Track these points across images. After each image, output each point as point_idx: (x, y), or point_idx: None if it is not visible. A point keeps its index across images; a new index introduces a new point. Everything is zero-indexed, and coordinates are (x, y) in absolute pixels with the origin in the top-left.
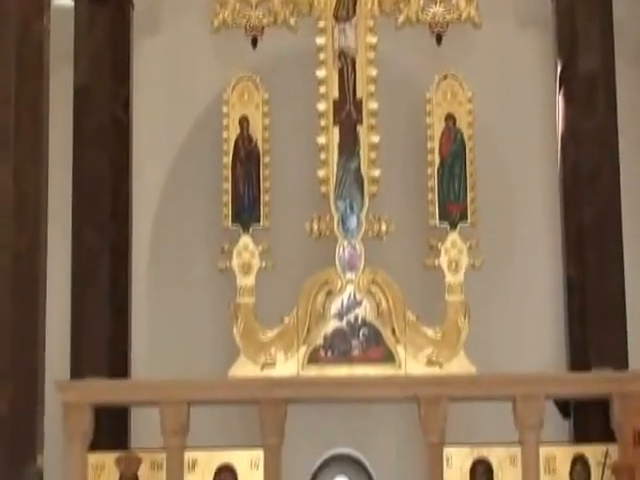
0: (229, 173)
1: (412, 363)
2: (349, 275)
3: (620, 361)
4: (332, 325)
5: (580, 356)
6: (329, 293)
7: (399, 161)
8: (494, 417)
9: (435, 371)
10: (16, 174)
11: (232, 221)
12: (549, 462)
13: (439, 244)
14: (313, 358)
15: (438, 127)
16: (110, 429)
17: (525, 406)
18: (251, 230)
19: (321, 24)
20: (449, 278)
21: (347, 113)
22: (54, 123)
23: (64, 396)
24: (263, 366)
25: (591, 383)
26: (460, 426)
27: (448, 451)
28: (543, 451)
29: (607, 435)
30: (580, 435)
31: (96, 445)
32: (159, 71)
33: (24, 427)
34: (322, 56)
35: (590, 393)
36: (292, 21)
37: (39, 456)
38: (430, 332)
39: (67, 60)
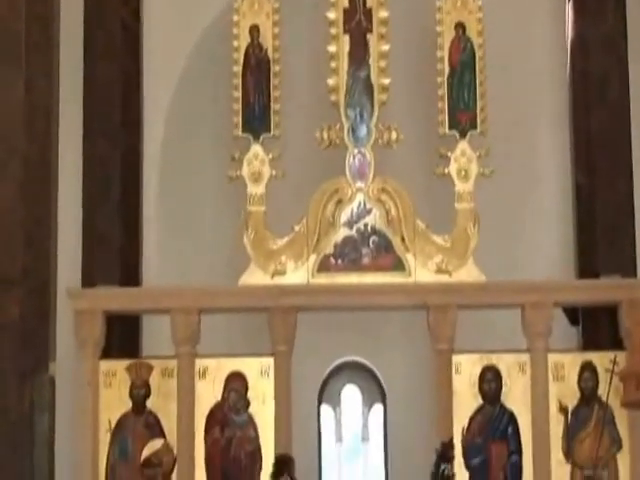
0: (239, 82)
1: (421, 271)
2: (359, 183)
3: (628, 268)
4: (342, 233)
5: (588, 263)
6: (339, 202)
7: (409, 70)
8: (503, 325)
9: (444, 279)
10: (27, 84)
11: (242, 130)
12: (557, 369)
13: (449, 153)
14: (323, 266)
15: (448, 36)
16: (121, 337)
17: (534, 313)
18: (261, 139)
19: None
20: (459, 186)
21: (357, 22)
22: (64, 33)
23: (75, 303)
24: (273, 274)
25: (599, 290)
26: (469, 334)
27: (457, 358)
28: (551, 358)
29: (615, 342)
30: (588, 342)
31: (107, 353)
32: None
33: (36, 334)
34: None
35: (598, 300)
36: None
37: (51, 364)
38: (439, 240)
39: None
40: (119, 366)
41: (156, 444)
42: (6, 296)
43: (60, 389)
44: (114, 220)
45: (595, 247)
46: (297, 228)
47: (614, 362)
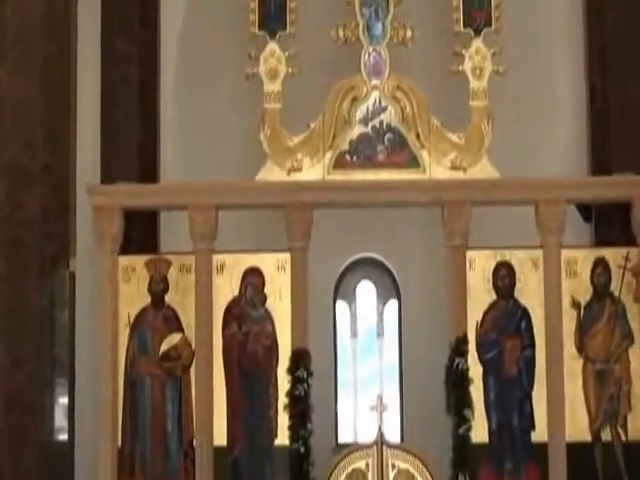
0: None
1: (436, 168)
2: (374, 81)
3: None
4: (357, 130)
5: (601, 161)
6: (354, 99)
7: None
8: (516, 221)
9: (458, 175)
10: None
11: (259, 27)
12: (570, 265)
13: (463, 50)
14: (339, 163)
15: None
16: (140, 233)
17: (547, 210)
18: (278, 36)
19: None
20: (473, 84)
21: None
22: None
23: (94, 200)
24: (289, 171)
25: (612, 187)
26: (483, 230)
27: (471, 254)
28: (564, 254)
29: (628, 239)
30: (601, 239)
31: (126, 249)
32: None
33: (56, 230)
34: None
35: (611, 197)
36: None
37: (71, 259)
38: (454, 137)
39: None
40: (138, 262)
41: (175, 338)
42: (27, 192)
43: (80, 284)
44: (132, 117)
45: (608, 145)
46: (313, 125)
47: (626, 258)
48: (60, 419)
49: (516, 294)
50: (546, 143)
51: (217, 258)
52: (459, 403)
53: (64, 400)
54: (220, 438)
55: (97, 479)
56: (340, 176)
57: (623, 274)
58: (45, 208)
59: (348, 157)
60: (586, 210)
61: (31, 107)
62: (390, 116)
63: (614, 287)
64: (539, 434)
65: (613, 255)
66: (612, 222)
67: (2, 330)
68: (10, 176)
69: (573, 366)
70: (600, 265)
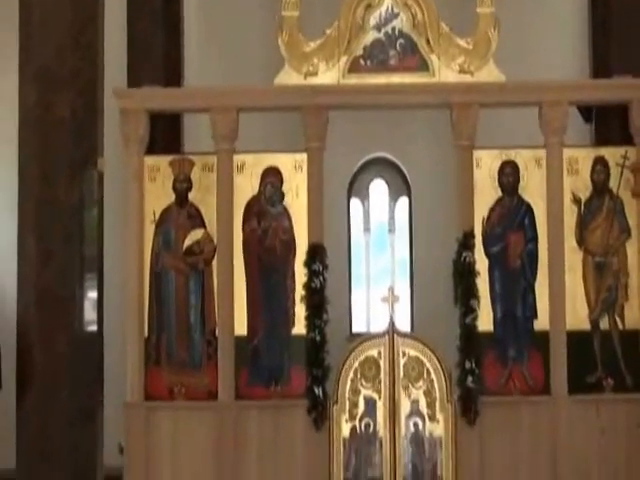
0: None
1: (445, 71)
2: None
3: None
4: (371, 36)
5: (602, 65)
6: (368, 6)
7: None
8: (521, 122)
9: (466, 79)
10: None
11: None
12: (571, 163)
13: None
14: (353, 67)
15: None
16: (165, 134)
17: (550, 111)
18: None
19: None
20: None
21: None
22: None
23: (121, 103)
24: (306, 75)
25: (612, 90)
26: (489, 131)
27: (478, 153)
28: (566, 153)
29: (626, 139)
30: (601, 139)
31: (152, 149)
32: None
33: (85, 132)
34: None
35: (611, 99)
36: None
37: (99, 159)
38: (462, 42)
39: None
40: (163, 162)
41: (197, 234)
42: (57, 96)
43: (108, 184)
44: (157, 23)
45: (609, 49)
46: (328, 32)
47: (625, 157)
48: (89, 312)
49: (520, 191)
50: (550, 48)
51: (237, 158)
52: (466, 294)
53: (93, 294)
54: (240, 328)
55: (125, 368)
56: (354, 80)
57: (621, 172)
58: (74, 111)
59: (362, 62)
60: (587, 111)
61: (60, 14)
62: (402, 22)
63: (613, 184)
64: (541, 323)
65: (612, 154)
66: (611, 123)
67: (34, 228)
68: (41, 81)
69: (573, 259)
70: (600, 163)
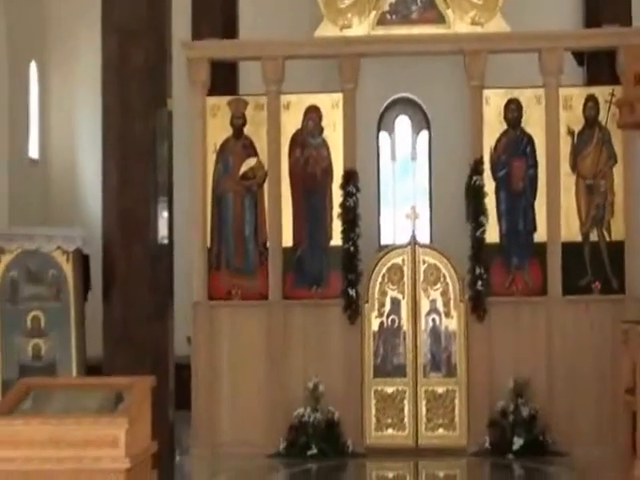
0: None
1: (459, 23)
2: None
3: (626, 19)
4: None
5: (593, 15)
6: None
7: None
8: (524, 66)
9: (477, 29)
10: None
11: None
12: (566, 101)
13: None
14: (381, 21)
15: None
16: (223, 79)
17: (548, 56)
18: None
19: None
20: None
21: None
22: None
23: (188, 53)
24: (341, 28)
25: (602, 37)
26: (497, 73)
27: (487, 93)
28: (562, 92)
29: (614, 79)
30: (592, 79)
31: (213, 92)
32: None
33: (157, 76)
34: None
35: (600, 45)
36: None
37: (169, 100)
38: None
39: None
40: (222, 102)
41: (251, 161)
42: (134, 45)
43: (176, 121)
44: None
45: (598, 1)
46: None
47: (612, 94)
48: (162, 228)
49: (522, 124)
50: (548, 1)
51: (284, 98)
52: (476, 212)
53: (165, 212)
54: (287, 240)
55: (192, 273)
56: (382, 31)
57: (609, 107)
58: (148, 59)
59: (388, 16)
60: (580, 56)
61: None
62: None
63: (602, 118)
64: (540, 235)
65: (601, 92)
66: (601, 66)
67: (115, 158)
68: (119, 33)
69: (567, 182)
70: (591, 100)
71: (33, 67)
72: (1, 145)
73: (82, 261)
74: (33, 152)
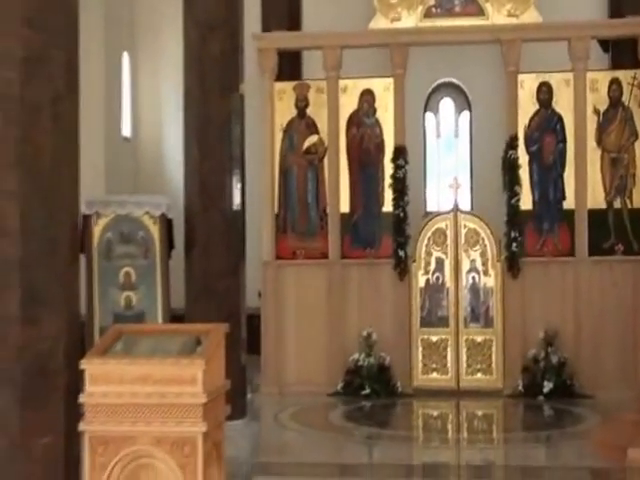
0: None
1: (497, 15)
2: None
3: None
4: None
5: (617, 7)
6: None
7: None
8: (554, 53)
9: (513, 21)
10: None
11: None
12: (593, 83)
13: None
14: (427, 14)
15: None
16: (289, 66)
17: (576, 44)
18: None
19: None
20: None
21: None
22: None
23: (258, 44)
24: (392, 20)
25: (625, 26)
26: (531, 60)
27: (521, 77)
28: (589, 76)
29: (636, 64)
30: (616, 64)
31: (280, 77)
32: None
33: (231, 64)
34: None
35: (624, 34)
36: None
37: (241, 85)
38: None
39: None
40: (287, 86)
41: (313, 138)
42: (212, 37)
43: (248, 103)
44: None
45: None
46: None
47: (634, 77)
48: (236, 197)
49: (553, 105)
50: None
51: (342, 82)
52: (511, 182)
53: (239, 184)
54: (344, 207)
55: (261, 236)
56: (428, 23)
57: (631, 89)
58: (223, 49)
59: (434, 9)
60: (605, 43)
61: None
62: None
63: (625, 98)
64: (568, 203)
65: (624, 76)
66: (624, 52)
67: (195, 135)
68: (199, 27)
69: (593, 155)
70: (615, 83)
71: (125, 57)
72: (98, 125)
73: (167, 224)
74: (126, 131)
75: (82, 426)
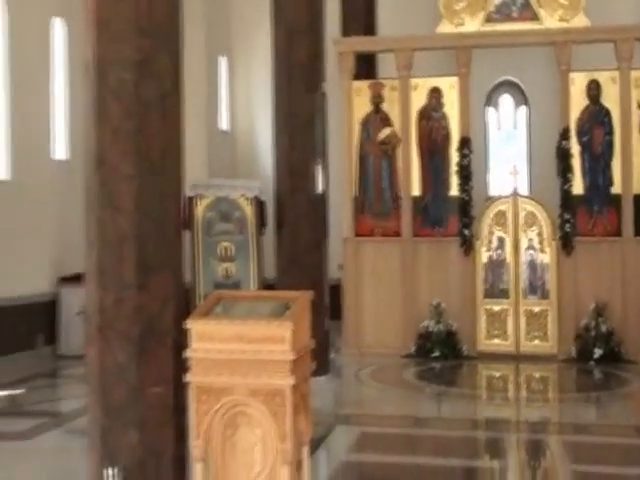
0: None
1: (550, 20)
2: None
3: None
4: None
5: None
6: None
7: None
8: (602, 53)
9: (564, 25)
10: None
11: None
12: (637, 81)
13: None
14: (488, 19)
15: None
16: (366, 67)
17: (622, 45)
18: None
19: None
20: None
21: None
22: None
23: (338, 47)
24: (457, 25)
25: None
26: (581, 59)
27: (572, 75)
28: (633, 74)
29: None
30: None
31: (357, 77)
32: None
33: (314, 65)
34: None
35: None
36: None
37: (323, 84)
38: (562, 0)
39: None
40: (364, 85)
41: (387, 130)
42: (297, 41)
43: (330, 100)
44: None
45: None
46: None
47: None
48: (320, 181)
49: (601, 100)
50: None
51: (413, 81)
52: (565, 170)
53: (322, 170)
54: (415, 190)
55: (342, 215)
56: (489, 28)
57: None
58: (309, 53)
59: (494, 15)
60: None
61: None
62: None
63: None
64: (616, 188)
65: None
66: None
67: (284, 128)
68: (286, 32)
69: (638, 146)
70: None
71: (223, 60)
72: (200, 120)
73: (259, 205)
74: (224, 125)
75: (188, 377)
